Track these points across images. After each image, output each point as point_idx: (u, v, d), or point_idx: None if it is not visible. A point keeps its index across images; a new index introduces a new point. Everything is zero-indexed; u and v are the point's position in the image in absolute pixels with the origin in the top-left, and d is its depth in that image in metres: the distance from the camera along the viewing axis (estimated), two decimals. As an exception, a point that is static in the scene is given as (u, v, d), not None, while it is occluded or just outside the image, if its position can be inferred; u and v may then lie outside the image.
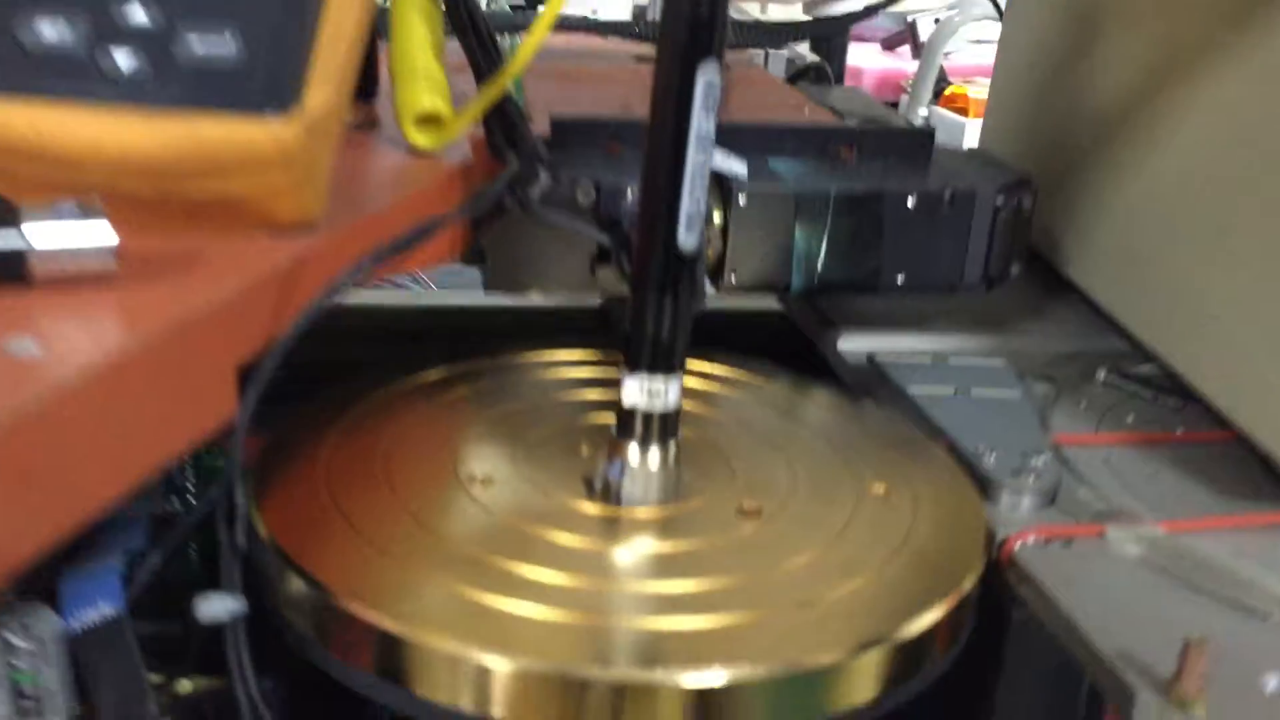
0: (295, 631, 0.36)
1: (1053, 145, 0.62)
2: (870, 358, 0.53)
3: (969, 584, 0.39)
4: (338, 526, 0.38)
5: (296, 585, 0.36)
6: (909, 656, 0.36)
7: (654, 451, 0.39)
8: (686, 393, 0.40)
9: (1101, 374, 0.53)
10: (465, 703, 0.33)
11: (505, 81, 0.43)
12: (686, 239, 0.36)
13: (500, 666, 0.33)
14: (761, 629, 0.35)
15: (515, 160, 0.44)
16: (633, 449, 0.39)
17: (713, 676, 0.33)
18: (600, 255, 0.49)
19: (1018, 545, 0.41)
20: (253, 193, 0.34)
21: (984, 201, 0.50)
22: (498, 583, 0.35)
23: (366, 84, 0.48)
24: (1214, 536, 0.42)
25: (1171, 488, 0.45)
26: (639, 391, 0.38)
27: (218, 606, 0.33)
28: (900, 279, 0.50)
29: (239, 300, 0.33)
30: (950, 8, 1.50)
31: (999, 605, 0.42)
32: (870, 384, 0.52)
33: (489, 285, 0.53)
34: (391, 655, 0.34)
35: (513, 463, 0.42)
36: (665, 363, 0.38)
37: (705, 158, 0.36)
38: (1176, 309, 0.51)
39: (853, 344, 0.55)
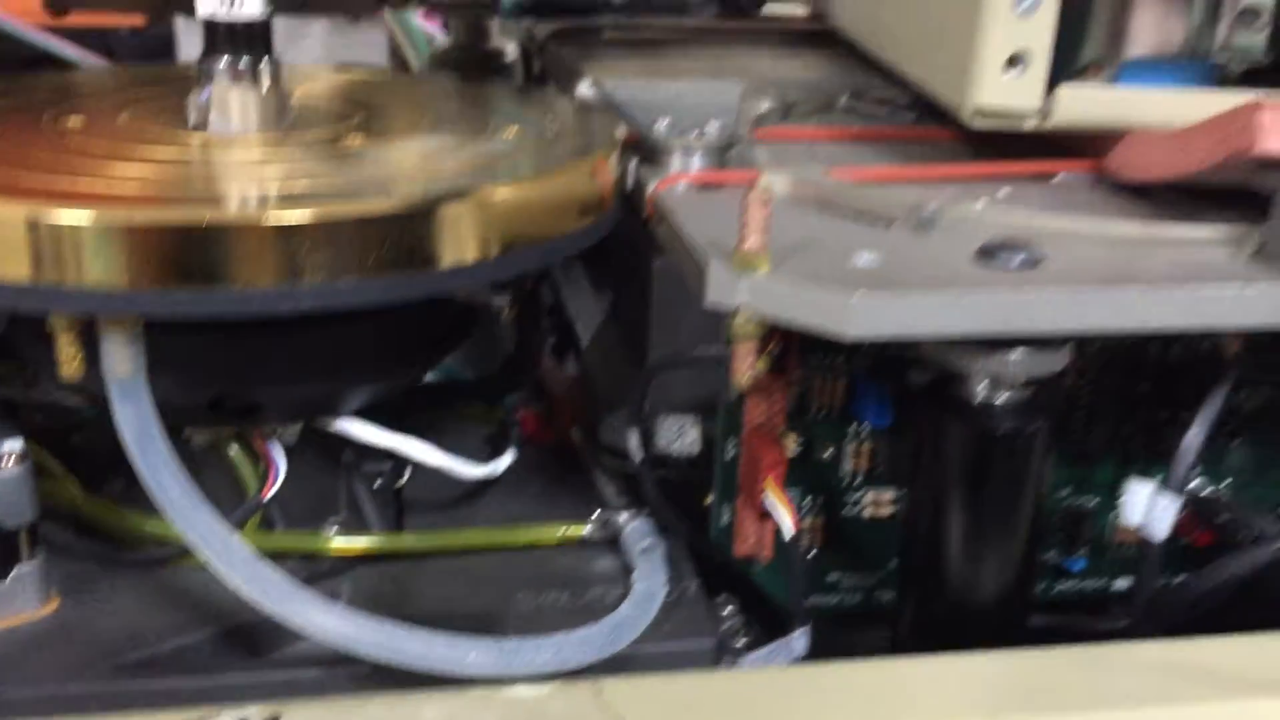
0: None
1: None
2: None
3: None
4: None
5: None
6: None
7: (244, 72, 0.37)
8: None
9: (842, 100, 0.51)
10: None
11: None
12: None
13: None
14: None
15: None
16: (221, 70, 0.37)
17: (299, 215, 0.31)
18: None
19: (664, 189, 0.38)
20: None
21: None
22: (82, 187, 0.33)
23: None
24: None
25: (861, 159, 0.43)
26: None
27: None
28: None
29: None
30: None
31: (644, 257, 0.39)
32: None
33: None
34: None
35: (110, 113, 0.40)
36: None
37: None
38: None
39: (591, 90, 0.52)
